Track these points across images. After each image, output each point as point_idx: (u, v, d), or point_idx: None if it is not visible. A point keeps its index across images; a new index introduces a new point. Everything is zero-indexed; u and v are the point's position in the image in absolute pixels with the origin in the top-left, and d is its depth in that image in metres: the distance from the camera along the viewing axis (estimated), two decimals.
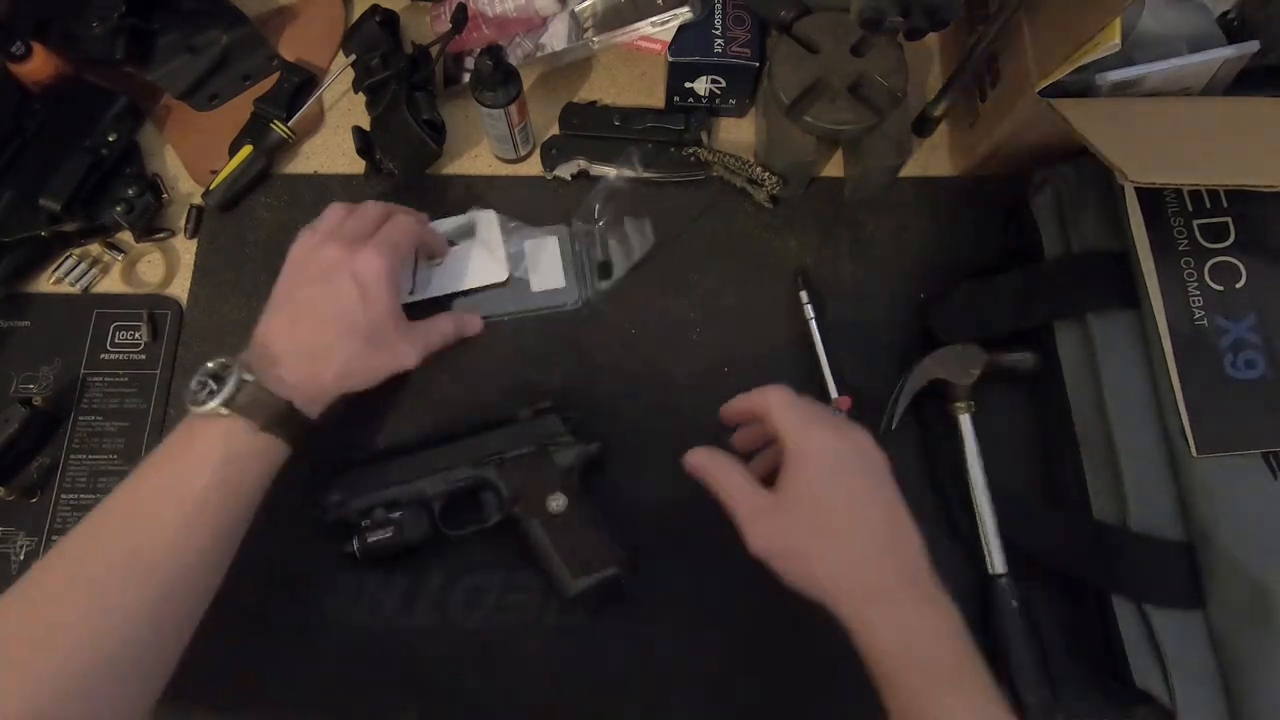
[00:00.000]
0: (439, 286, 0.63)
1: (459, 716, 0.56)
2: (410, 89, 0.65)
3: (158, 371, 0.63)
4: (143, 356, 0.63)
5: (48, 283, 0.65)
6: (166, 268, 0.66)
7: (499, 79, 0.60)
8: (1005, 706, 0.42)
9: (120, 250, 0.66)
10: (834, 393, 0.61)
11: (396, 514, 0.55)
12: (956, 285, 0.64)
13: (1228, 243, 0.54)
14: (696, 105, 0.69)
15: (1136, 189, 0.55)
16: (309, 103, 0.68)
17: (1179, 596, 0.52)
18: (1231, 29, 0.60)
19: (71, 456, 0.61)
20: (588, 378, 0.63)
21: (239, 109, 0.68)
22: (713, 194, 0.68)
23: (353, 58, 0.67)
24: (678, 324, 0.64)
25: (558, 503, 0.55)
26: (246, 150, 0.66)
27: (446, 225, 0.65)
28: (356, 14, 0.70)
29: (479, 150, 0.70)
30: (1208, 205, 0.55)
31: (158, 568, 0.45)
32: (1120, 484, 0.54)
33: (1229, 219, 0.55)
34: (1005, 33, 0.59)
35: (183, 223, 0.67)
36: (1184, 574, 0.52)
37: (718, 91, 0.67)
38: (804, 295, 0.63)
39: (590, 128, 0.68)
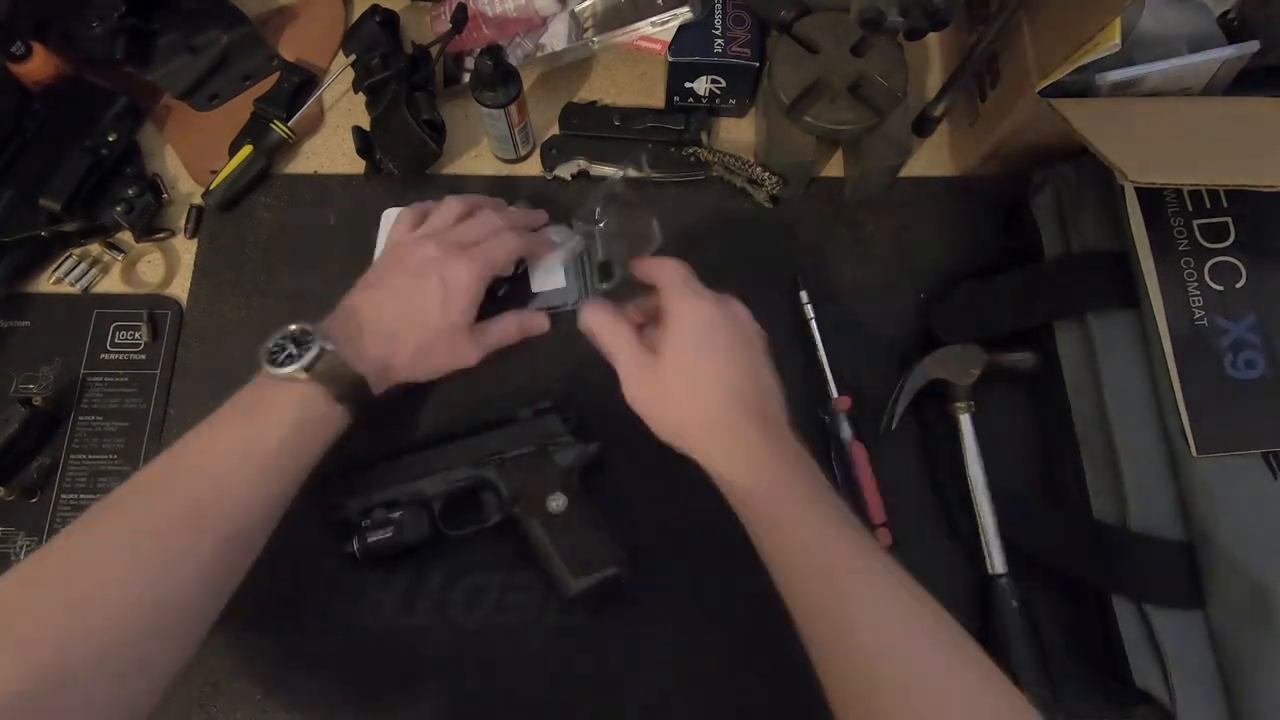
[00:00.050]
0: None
1: (459, 716, 0.56)
2: (410, 89, 0.65)
3: (158, 371, 0.63)
4: (143, 356, 0.63)
5: (48, 283, 0.65)
6: (166, 268, 0.66)
7: (499, 79, 0.60)
8: (856, 520, 0.46)
9: (120, 250, 0.66)
10: (834, 393, 0.61)
11: (396, 514, 0.55)
12: (956, 285, 0.64)
13: (1228, 243, 0.54)
14: (696, 105, 0.69)
15: (1136, 189, 0.55)
16: (309, 103, 0.68)
17: (1179, 596, 0.52)
18: (1231, 29, 0.60)
19: (71, 456, 0.61)
20: (588, 378, 0.63)
21: (239, 109, 0.68)
22: (713, 194, 0.68)
23: (353, 58, 0.68)
24: None
25: (558, 503, 0.55)
26: (246, 150, 0.66)
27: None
28: (356, 14, 0.71)
29: (479, 150, 0.70)
30: (1208, 205, 0.55)
31: (220, 523, 0.46)
32: (1120, 484, 0.54)
33: (1229, 219, 0.55)
34: (1005, 33, 0.59)
35: (183, 223, 0.67)
36: (1184, 574, 0.52)
37: (718, 91, 0.67)
38: (804, 295, 0.63)
39: (590, 128, 0.68)
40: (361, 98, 0.68)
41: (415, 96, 0.64)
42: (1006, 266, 0.63)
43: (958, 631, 0.42)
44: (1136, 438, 0.54)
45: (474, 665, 0.57)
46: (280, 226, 0.67)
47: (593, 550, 0.55)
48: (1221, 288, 0.54)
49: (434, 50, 0.66)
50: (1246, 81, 0.60)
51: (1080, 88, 0.57)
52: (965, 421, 0.59)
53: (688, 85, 0.67)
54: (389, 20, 0.69)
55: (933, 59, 0.73)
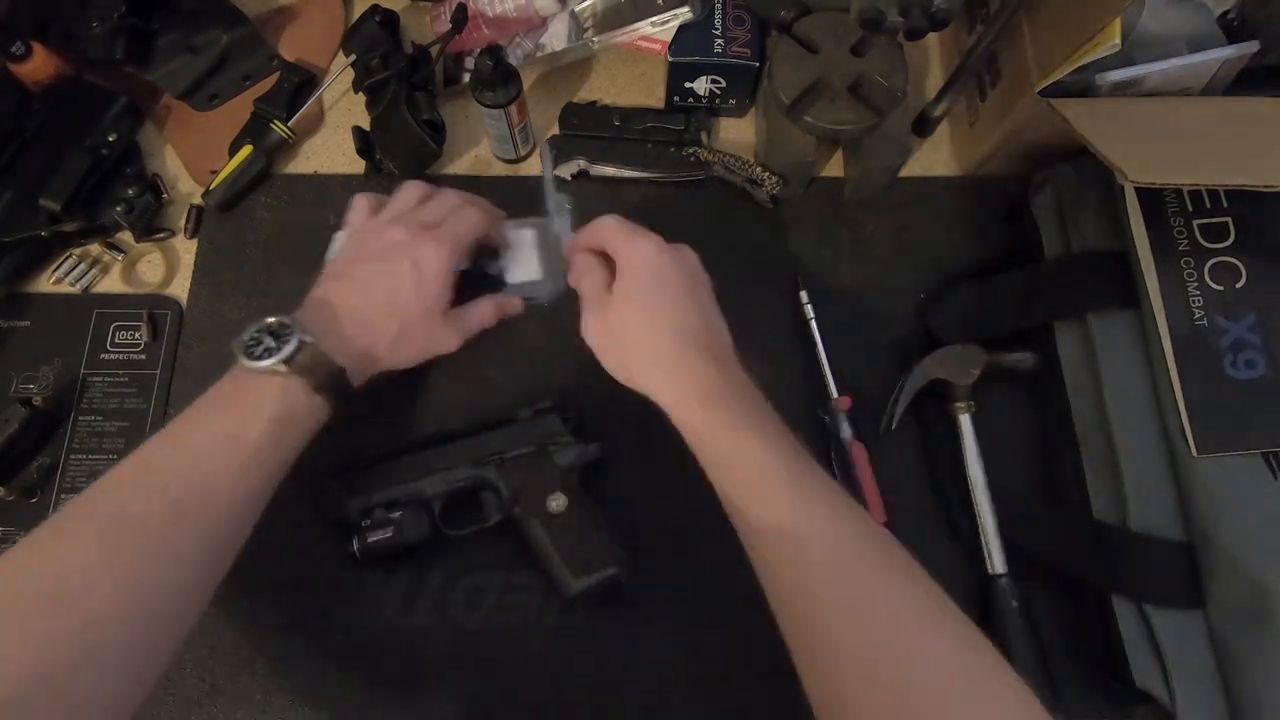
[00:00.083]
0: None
1: (459, 716, 0.56)
2: (410, 89, 0.65)
3: (158, 371, 0.63)
4: (143, 356, 0.63)
5: (48, 283, 0.65)
6: (166, 268, 0.66)
7: (499, 79, 0.60)
8: (797, 442, 0.47)
9: (120, 250, 0.66)
10: (834, 393, 0.61)
11: (396, 514, 0.55)
12: (956, 285, 0.64)
13: (1228, 243, 0.54)
14: (696, 105, 0.69)
15: (1136, 189, 0.55)
16: (309, 103, 0.68)
17: (1179, 596, 0.52)
18: (1231, 29, 0.60)
19: (71, 456, 0.61)
20: (588, 378, 0.62)
21: (239, 109, 0.68)
22: (713, 194, 0.68)
23: (353, 58, 0.68)
24: None
25: (558, 503, 0.55)
26: (246, 150, 0.66)
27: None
28: (356, 14, 0.71)
29: (479, 150, 0.70)
30: (1208, 205, 0.55)
31: (203, 516, 0.45)
32: (1120, 484, 0.54)
33: (1229, 219, 0.55)
34: (1005, 33, 0.59)
35: (183, 223, 0.67)
36: (1184, 574, 0.52)
37: (718, 91, 0.67)
38: (804, 295, 0.63)
39: (590, 128, 0.68)
40: (361, 98, 0.68)
41: (415, 96, 0.64)
42: (1006, 266, 0.63)
43: (901, 553, 0.43)
44: (1136, 438, 0.54)
45: (474, 665, 0.57)
46: (280, 226, 0.67)
47: (593, 550, 0.55)
48: (1221, 288, 0.54)
49: (434, 50, 0.66)
50: (1246, 81, 0.60)
51: (1080, 88, 0.57)
52: (965, 421, 0.59)
53: (688, 85, 0.67)
54: (389, 20, 0.69)
55: (933, 59, 0.73)
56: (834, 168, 0.69)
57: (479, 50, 0.60)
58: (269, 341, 0.49)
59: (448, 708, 0.56)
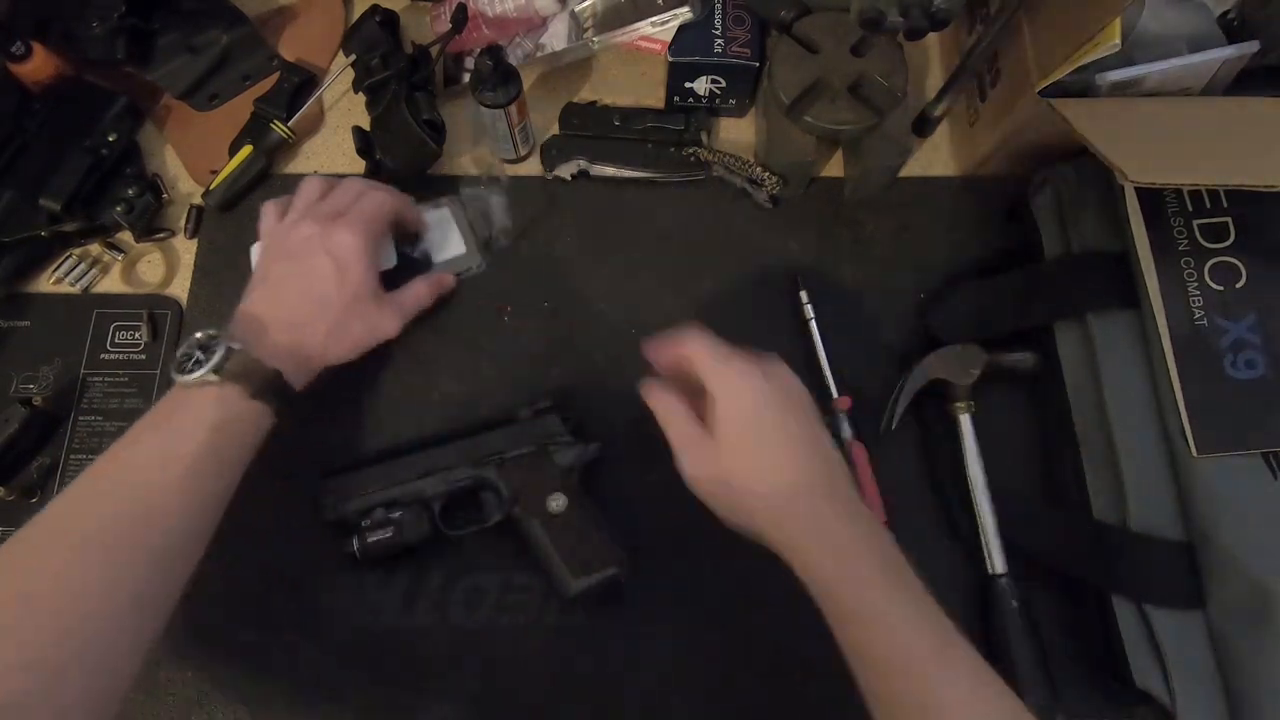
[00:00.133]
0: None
1: (459, 716, 0.56)
2: (410, 89, 0.65)
3: (158, 371, 0.63)
4: (143, 356, 0.63)
5: (48, 283, 0.65)
6: (166, 268, 0.66)
7: (499, 79, 0.60)
8: (938, 606, 0.44)
9: (120, 250, 0.66)
10: (834, 393, 0.61)
11: (396, 514, 0.55)
12: (956, 285, 0.64)
13: (1228, 243, 0.54)
14: (696, 105, 0.69)
15: (1136, 189, 0.55)
16: (309, 103, 0.68)
17: (1179, 596, 0.52)
18: (1231, 29, 0.60)
19: (71, 456, 0.61)
20: (588, 378, 0.63)
21: (239, 109, 0.68)
22: (713, 194, 0.68)
23: (353, 58, 0.68)
24: (678, 324, 0.64)
25: (558, 503, 0.55)
26: (246, 150, 0.66)
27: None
28: (356, 14, 0.70)
29: (479, 150, 0.70)
30: (1208, 205, 0.55)
31: (149, 533, 0.46)
32: (1120, 484, 0.54)
33: (1229, 219, 0.55)
34: (1005, 33, 0.59)
35: (183, 223, 0.67)
36: (1184, 574, 0.52)
37: (718, 91, 0.67)
38: (804, 295, 0.63)
39: (590, 128, 0.68)
40: (361, 98, 0.68)
41: (415, 96, 0.64)
42: (1006, 266, 0.63)
43: None
44: (1136, 438, 0.54)
45: (474, 665, 0.57)
46: None
47: (593, 550, 0.55)
48: (1221, 288, 0.54)
49: (434, 50, 0.66)
50: (1246, 81, 0.60)
51: (1080, 88, 0.57)
52: (965, 421, 0.59)
53: (688, 85, 0.67)
54: (389, 20, 0.69)
55: (933, 59, 0.73)
56: (834, 168, 0.69)
57: (479, 50, 0.60)
58: (199, 355, 0.49)
59: (448, 708, 0.56)
